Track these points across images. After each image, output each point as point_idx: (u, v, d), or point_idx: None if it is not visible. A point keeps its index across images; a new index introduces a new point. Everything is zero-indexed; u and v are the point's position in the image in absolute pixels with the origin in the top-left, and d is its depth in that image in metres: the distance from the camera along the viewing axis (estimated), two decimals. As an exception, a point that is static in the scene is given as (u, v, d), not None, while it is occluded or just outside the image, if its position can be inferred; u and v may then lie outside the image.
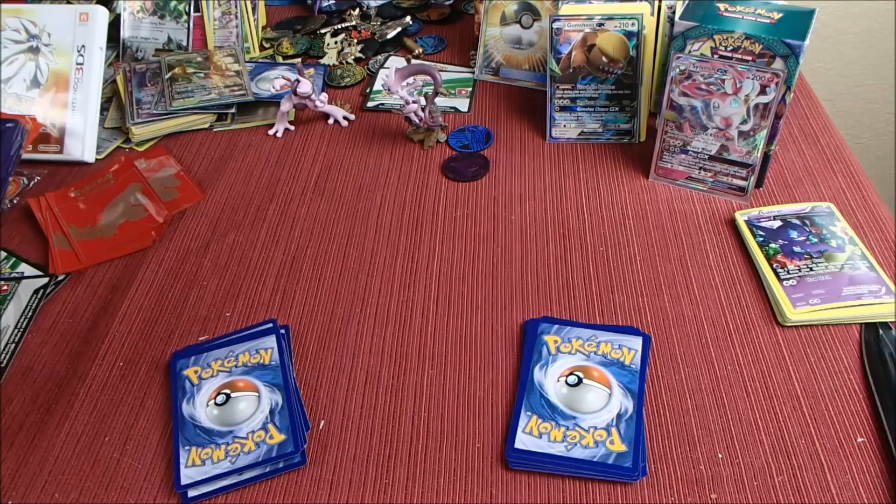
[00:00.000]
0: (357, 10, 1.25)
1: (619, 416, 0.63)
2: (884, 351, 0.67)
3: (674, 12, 0.90)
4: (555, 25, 0.90)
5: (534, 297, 0.76)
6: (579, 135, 0.96)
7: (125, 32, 1.13)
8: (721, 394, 0.66)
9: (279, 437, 0.63)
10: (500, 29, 1.06)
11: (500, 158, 0.94)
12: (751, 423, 0.63)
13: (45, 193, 0.91)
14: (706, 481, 0.60)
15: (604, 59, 0.91)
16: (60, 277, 0.81)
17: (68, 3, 1.11)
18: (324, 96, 1.01)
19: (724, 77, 0.78)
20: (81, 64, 0.99)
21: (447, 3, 1.28)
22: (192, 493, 0.61)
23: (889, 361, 0.66)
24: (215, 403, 0.67)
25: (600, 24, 0.90)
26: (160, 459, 0.64)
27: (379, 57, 1.16)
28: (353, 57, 1.15)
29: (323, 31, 1.21)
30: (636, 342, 0.69)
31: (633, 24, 0.89)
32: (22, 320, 0.76)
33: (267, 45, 1.19)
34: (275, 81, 1.08)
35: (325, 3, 1.28)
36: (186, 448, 0.63)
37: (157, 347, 0.73)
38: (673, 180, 0.88)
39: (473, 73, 1.10)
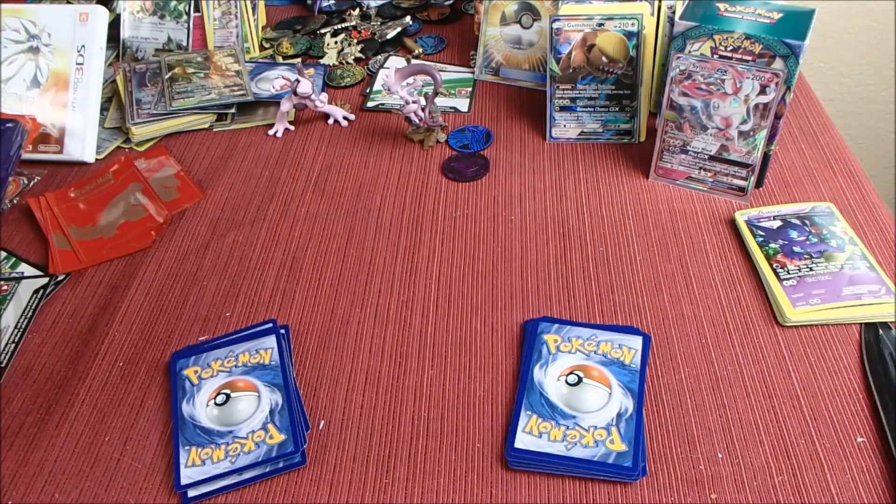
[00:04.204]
0: (357, 10, 1.25)
1: (619, 415, 0.63)
2: (884, 351, 0.67)
3: (674, 12, 0.90)
4: (555, 25, 0.90)
5: (534, 296, 0.76)
6: (579, 135, 0.96)
7: (125, 32, 1.13)
8: (721, 394, 0.66)
9: (279, 437, 0.63)
10: (500, 29, 1.06)
11: (500, 158, 0.94)
12: (751, 423, 0.63)
13: (45, 193, 0.91)
14: (706, 481, 0.60)
15: (604, 59, 0.91)
16: (60, 277, 0.81)
17: (68, 3, 1.11)
18: (324, 96, 1.01)
19: (724, 77, 0.78)
20: (81, 64, 0.99)
21: (447, 3, 1.28)
22: (192, 493, 0.61)
23: (889, 361, 0.66)
24: (215, 403, 0.67)
25: (600, 24, 0.90)
26: (160, 459, 0.64)
27: (379, 57, 1.16)
28: (353, 57, 1.15)
29: (323, 31, 1.21)
30: (636, 342, 0.69)
31: (633, 24, 0.89)
32: (22, 320, 0.76)
33: (267, 45, 1.19)
34: (275, 81, 1.08)
35: (325, 3, 1.28)
36: (186, 448, 0.63)
37: (157, 347, 0.73)
38: (673, 180, 0.88)
39: (473, 73, 1.10)
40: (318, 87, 1.08)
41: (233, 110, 1.04)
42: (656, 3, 0.90)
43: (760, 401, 0.65)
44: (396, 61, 1.15)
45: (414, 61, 1.13)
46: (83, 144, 0.97)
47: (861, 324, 0.70)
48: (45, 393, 0.70)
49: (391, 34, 1.19)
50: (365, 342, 0.73)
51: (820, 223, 0.79)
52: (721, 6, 0.82)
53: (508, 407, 0.66)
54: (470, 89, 1.08)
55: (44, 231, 0.86)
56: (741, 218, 0.82)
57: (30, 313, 0.77)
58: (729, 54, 0.80)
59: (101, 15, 1.01)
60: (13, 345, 0.74)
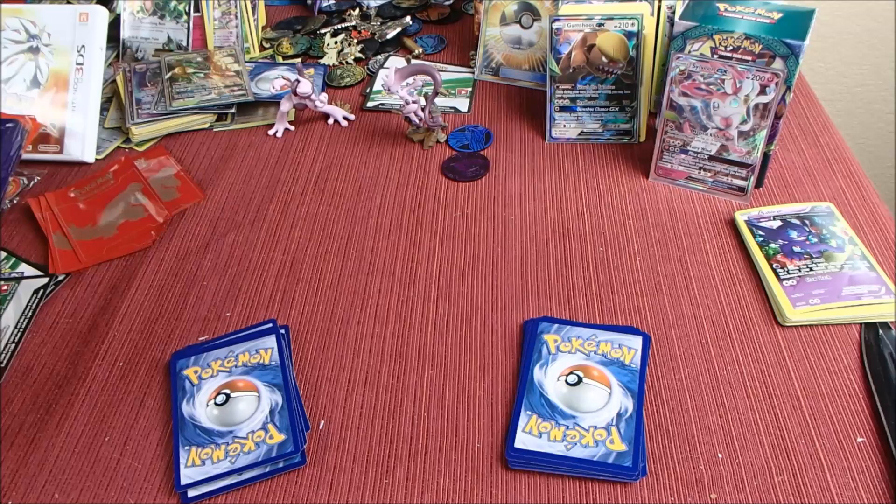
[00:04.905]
0: (357, 10, 1.25)
1: (619, 415, 0.63)
2: (884, 351, 0.67)
3: (674, 12, 0.90)
4: (555, 25, 0.90)
5: (534, 296, 0.76)
6: (579, 135, 0.96)
7: (125, 32, 1.13)
8: (721, 394, 0.66)
9: (279, 437, 0.63)
10: (500, 29, 1.06)
11: (500, 158, 0.94)
12: (751, 423, 0.63)
13: (45, 193, 0.91)
14: (706, 481, 0.60)
15: (604, 59, 0.91)
16: (60, 277, 0.81)
17: (68, 3, 1.11)
18: (324, 96, 1.01)
19: (724, 77, 0.78)
20: (81, 64, 0.99)
21: (447, 3, 1.28)
22: (192, 493, 0.61)
23: (889, 361, 0.66)
24: (215, 403, 0.67)
25: (600, 24, 0.90)
26: (160, 459, 0.64)
27: (379, 57, 1.16)
28: (353, 57, 1.15)
29: (323, 31, 1.21)
30: (636, 342, 0.69)
31: (632, 24, 0.89)
32: (22, 320, 0.76)
33: (267, 45, 1.19)
34: (275, 81, 1.08)
35: (325, 3, 1.28)
36: (186, 448, 0.63)
37: (157, 347, 0.73)
38: (673, 180, 0.88)
39: (473, 73, 1.10)
40: (318, 87, 1.08)
41: (233, 110, 1.04)
42: (656, 3, 0.90)
43: (760, 401, 0.65)
44: (396, 61, 1.15)
45: (414, 61, 1.12)
46: (83, 144, 0.97)
47: (861, 324, 0.70)
48: (45, 393, 0.70)
49: (391, 34, 1.19)
50: (365, 342, 0.73)
51: (820, 223, 0.79)
52: (721, 6, 0.82)
53: (508, 407, 0.66)
54: (470, 89, 1.08)
55: (44, 231, 0.86)
56: (741, 218, 0.82)
57: (30, 313, 0.77)
58: (729, 54, 0.80)
59: (101, 15, 1.01)
60: (13, 345, 0.74)
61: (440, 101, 1.05)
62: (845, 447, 0.61)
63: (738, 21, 0.80)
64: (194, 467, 0.62)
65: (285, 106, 0.99)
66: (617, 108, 0.94)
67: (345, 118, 1.03)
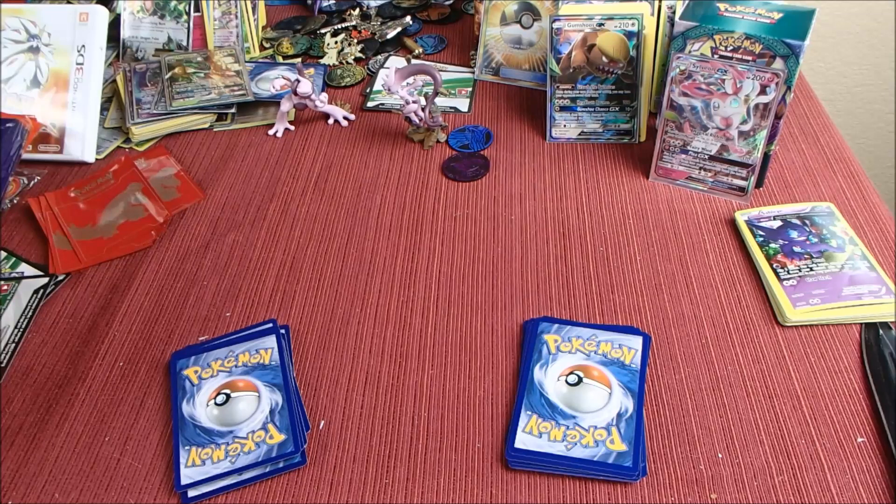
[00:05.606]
0: (357, 9, 1.25)
1: (619, 415, 0.63)
2: (884, 351, 0.67)
3: (674, 12, 0.90)
4: (555, 25, 0.90)
5: (534, 296, 0.76)
6: (579, 135, 0.96)
7: (125, 32, 1.13)
8: (721, 394, 0.66)
9: (279, 437, 0.63)
10: (500, 29, 1.06)
11: (500, 158, 0.94)
12: (751, 423, 0.63)
13: (45, 193, 0.91)
14: (706, 481, 0.60)
15: (604, 59, 0.91)
16: (60, 277, 0.81)
17: (68, 3, 1.11)
18: (324, 96, 1.01)
19: (725, 77, 0.78)
20: (81, 64, 0.99)
21: (447, 3, 1.28)
22: (192, 493, 0.61)
23: (889, 361, 0.66)
24: (215, 403, 0.67)
25: (600, 24, 0.90)
26: (160, 459, 0.64)
27: (379, 57, 1.16)
28: (353, 57, 1.15)
29: (323, 31, 1.21)
30: (636, 342, 0.69)
31: (633, 24, 0.89)
32: (22, 320, 0.76)
33: (267, 45, 1.19)
34: (275, 81, 1.08)
35: (325, 3, 1.28)
36: (186, 448, 0.63)
37: (157, 347, 0.73)
38: (673, 180, 0.88)
39: (473, 73, 1.10)
40: (318, 87, 1.08)
41: (233, 110, 1.04)
42: (656, 3, 0.90)
43: (760, 401, 0.65)
44: (396, 61, 1.15)
45: (414, 61, 1.12)
46: (83, 144, 0.97)
47: (861, 324, 0.70)
48: (45, 393, 0.70)
49: (391, 34, 1.19)
50: (365, 342, 0.73)
51: (820, 223, 0.79)
52: (721, 6, 0.82)
53: (508, 407, 0.66)
54: (470, 89, 1.08)
55: (44, 231, 0.86)
56: (741, 218, 0.82)
57: (30, 313, 0.77)
58: (729, 54, 0.80)
59: (101, 15, 1.01)
60: (13, 345, 0.74)
61: (440, 101, 1.05)
62: (845, 447, 0.61)
63: (738, 21, 0.80)
64: (194, 467, 0.62)
65: (285, 106, 0.99)
66: (617, 108, 0.94)
67: (345, 118, 1.03)
